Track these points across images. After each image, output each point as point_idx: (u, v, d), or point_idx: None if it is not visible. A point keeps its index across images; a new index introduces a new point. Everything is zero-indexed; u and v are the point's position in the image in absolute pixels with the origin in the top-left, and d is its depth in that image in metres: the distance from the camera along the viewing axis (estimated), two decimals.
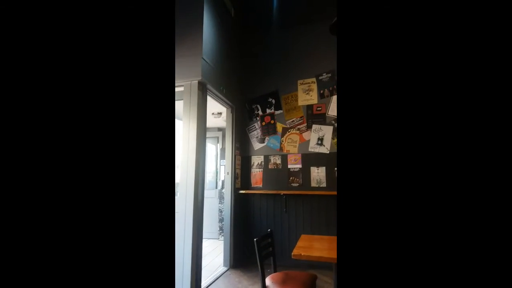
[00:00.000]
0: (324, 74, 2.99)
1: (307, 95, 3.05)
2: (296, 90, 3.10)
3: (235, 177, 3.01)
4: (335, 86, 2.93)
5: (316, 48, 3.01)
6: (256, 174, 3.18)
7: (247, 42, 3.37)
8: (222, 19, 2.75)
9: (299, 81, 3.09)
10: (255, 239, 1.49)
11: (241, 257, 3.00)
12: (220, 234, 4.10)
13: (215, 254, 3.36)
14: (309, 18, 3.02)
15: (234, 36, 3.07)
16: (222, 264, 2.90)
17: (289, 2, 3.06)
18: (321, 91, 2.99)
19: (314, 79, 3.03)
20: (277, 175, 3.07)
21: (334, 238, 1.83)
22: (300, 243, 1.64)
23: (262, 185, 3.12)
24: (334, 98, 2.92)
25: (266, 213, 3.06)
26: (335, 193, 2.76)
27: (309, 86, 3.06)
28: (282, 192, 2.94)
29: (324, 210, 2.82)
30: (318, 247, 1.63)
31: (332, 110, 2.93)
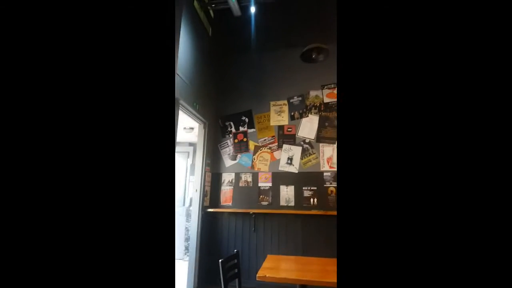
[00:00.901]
0: (295, 97, 3.16)
1: (279, 116, 3.17)
2: (269, 110, 3.21)
3: (204, 195, 2.94)
4: (305, 110, 3.10)
5: (289, 73, 3.19)
6: (226, 191, 3.14)
7: (223, 61, 3.45)
8: (199, 38, 2.81)
9: (272, 102, 3.22)
10: (220, 260, 1.45)
11: (206, 278, 2.85)
12: (185, 254, 3.88)
13: (179, 275, 3.15)
14: (283, 45, 3.22)
15: (210, 54, 3.13)
16: (186, 286, 2.73)
17: (266, 28, 3.25)
18: (292, 113, 3.14)
19: (285, 102, 3.18)
20: (248, 193, 3.06)
21: (301, 258, 1.85)
22: (266, 264, 1.63)
23: (232, 203, 3.08)
24: (304, 120, 3.08)
25: (234, 232, 2.99)
26: (302, 212, 2.83)
27: (281, 107, 3.19)
28: (252, 211, 2.93)
29: (292, 230, 2.86)
30: (284, 268, 1.63)
31: (302, 132, 3.07)
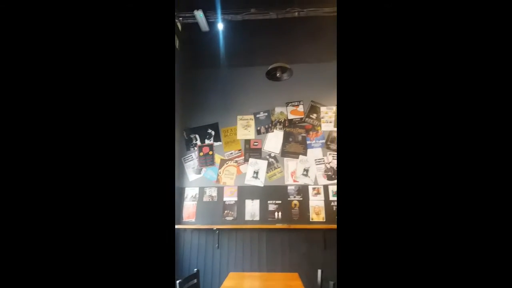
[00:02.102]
0: (261, 112, 3.24)
1: (245, 130, 3.21)
2: (236, 124, 3.23)
3: None
4: (270, 125, 3.19)
5: (255, 89, 3.28)
6: (189, 207, 3.01)
7: (190, 74, 3.42)
8: None
9: (239, 117, 3.25)
10: (177, 281, 1.36)
11: None
12: None
13: None
14: (249, 62, 3.32)
15: (177, 67, 3.09)
16: None
17: (233, 45, 3.33)
18: (258, 128, 3.20)
19: (252, 116, 3.24)
20: (212, 208, 2.98)
21: (265, 274, 1.82)
22: (226, 283, 1.58)
23: (195, 219, 2.96)
24: (270, 135, 3.15)
25: (197, 249, 2.86)
26: (267, 226, 2.83)
27: (247, 122, 3.24)
28: (215, 227, 2.84)
29: (257, 245, 2.83)
30: (247, 286, 1.60)
31: (267, 146, 3.13)
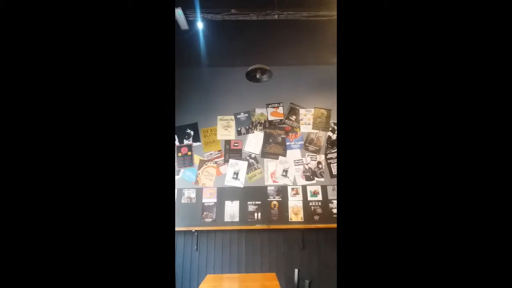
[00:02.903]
0: (242, 113, 3.24)
1: (225, 130, 3.19)
2: (216, 124, 3.20)
3: None
4: (251, 126, 3.19)
5: (235, 89, 3.28)
6: None
7: None
8: None
9: (219, 117, 3.22)
10: None
11: None
12: None
13: None
14: (230, 62, 3.31)
15: None
16: None
17: (214, 44, 3.30)
18: (239, 129, 3.20)
19: (232, 117, 3.23)
20: (191, 209, 2.93)
21: (243, 275, 1.83)
22: (203, 286, 1.56)
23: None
24: (250, 136, 3.16)
25: (175, 252, 2.79)
26: (247, 227, 2.83)
27: (228, 122, 3.22)
28: (194, 229, 2.80)
29: (236, 246, 2.82)
30: (225, 287, 1.59)
31: (248, 147, 3.14)
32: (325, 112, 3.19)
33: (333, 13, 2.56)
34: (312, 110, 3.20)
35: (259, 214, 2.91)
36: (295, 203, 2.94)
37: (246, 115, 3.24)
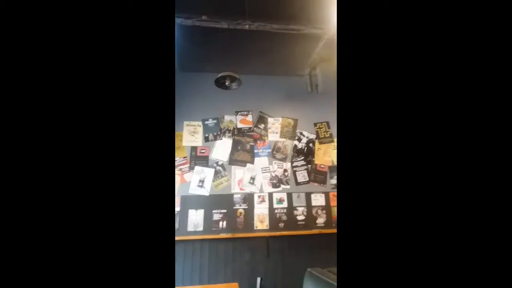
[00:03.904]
0: (210, 119, 3.20)
1: (192, 136, 3.11)
2: (182, 130, 3.11)
3: None
4: (219, 132, 3.16)
5: (204, 95, 3.23)
6: None
7: None
8: None
9: (186, 122, 3.14)
10: None
11: None
12: None
13: None
14: (199, 67, 3.27)
15: None
16: None
17: (184, 49, 3.23)
18: (206, 135, 3.14)
19: (200, 123, 3.17)
20: None
21: (206, 287, 1.76)
22: None
23: None
24: (218, 142, 3.12)
25: None
26: (211, 236, 2.76)
27: (195, 128, 3.15)
28: None
29: (199, 256, 2.72)
30: None
31: (215, 154, 3.09)
32: (292, 121, 3.30)
33: (302, 28, 2.68)
34: (280, 119, 3.29)
35: (224, 222, 2.86)
36: (261, 211, 2.95)
37: (215, 121, 3.20)
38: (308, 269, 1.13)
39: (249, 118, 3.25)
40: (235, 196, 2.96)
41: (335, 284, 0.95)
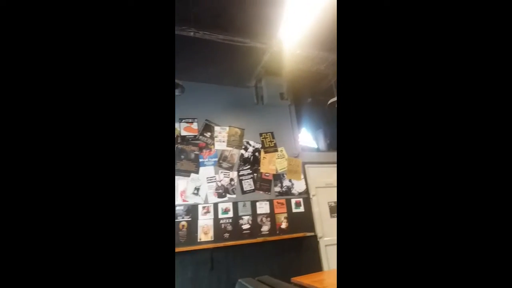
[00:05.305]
0: None
1: None
2: None
3: None
4: None
5: None
6: None
7: None
8: None
9: None
10: None
11: None
12: None
13: None
14: None
15: None
16: None
17: None
18: None
19: None
20: None
21: None
22: None
23: None
24: None
25: None
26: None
27: None
28: None
29: None
30: None
31: None
32: (239, 131, 3.34)
33: (247, 41, 2.78)
34: (227, 128, 3.30)
35: None
36: (205, 222, 2.86)
37: None
38: (239, 280, 1.12)
39: (194, 126, 3.16)
40: (177, 208, 2.80)
41: None
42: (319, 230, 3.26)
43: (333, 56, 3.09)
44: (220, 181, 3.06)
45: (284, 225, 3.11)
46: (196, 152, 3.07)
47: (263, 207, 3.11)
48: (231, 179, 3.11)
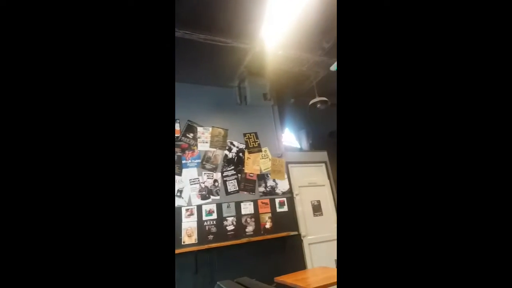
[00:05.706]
0: None
1: None
2: None
3: None
4: None
5: None
6: None
7: None
8: None
9: None
10: None
11: None
12: None
13: None
14: None
15: None
16: None
17: None
18: None
19: None
20: None
21: None
22: None
23: None
24: None
25: None
26: None
27: None
28: None
29: None
30: None
31: None
32: (222, 131, 3.32)
33: (230, 41, 2.76)
34: (210, 129, 3.26)
35: None
36: (189, 224, 2.81)
37: None
38: (218, 283, 1.12)
39: (176, 126, 3.10)
40: None
41: None
42: (302, 229, 3.31)
43: (315, 58, 3.15)
44: (203, 183, 3.02)
45: (268, 225, 3.13)
46: (179, 154, 3.01)
47: (247, 208, 3.11)
48: (215, 180, 3.08)
